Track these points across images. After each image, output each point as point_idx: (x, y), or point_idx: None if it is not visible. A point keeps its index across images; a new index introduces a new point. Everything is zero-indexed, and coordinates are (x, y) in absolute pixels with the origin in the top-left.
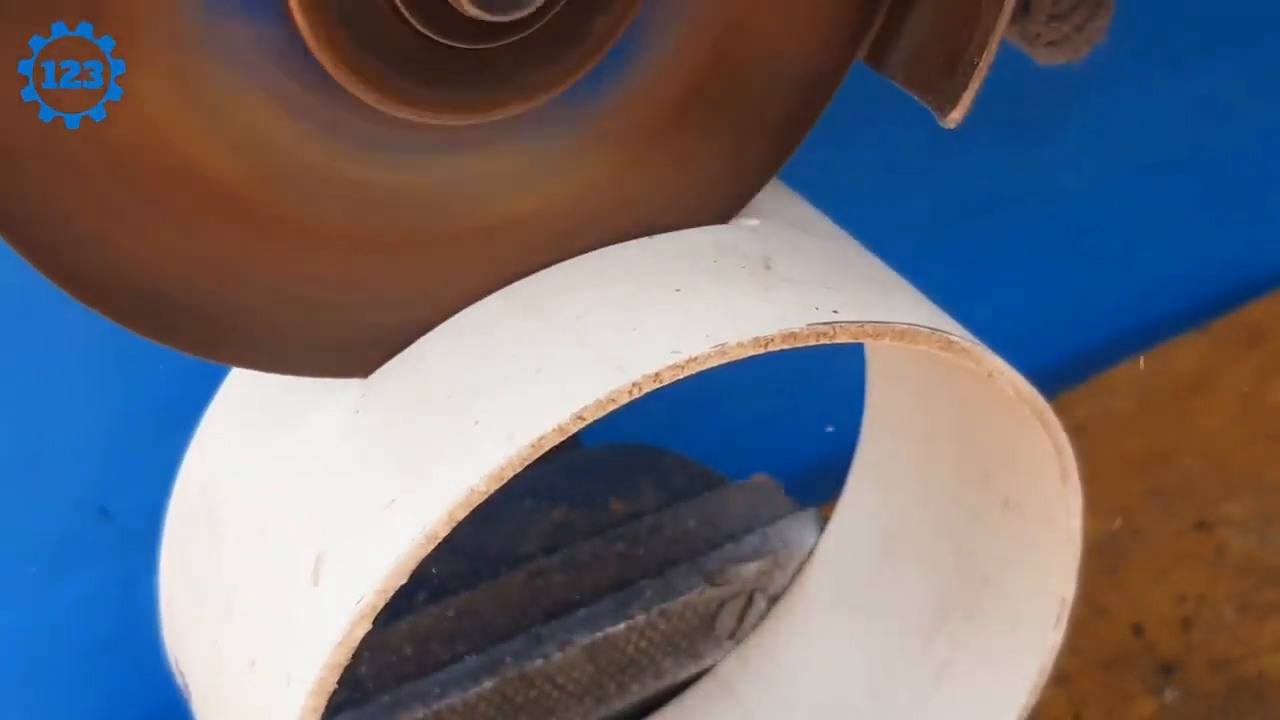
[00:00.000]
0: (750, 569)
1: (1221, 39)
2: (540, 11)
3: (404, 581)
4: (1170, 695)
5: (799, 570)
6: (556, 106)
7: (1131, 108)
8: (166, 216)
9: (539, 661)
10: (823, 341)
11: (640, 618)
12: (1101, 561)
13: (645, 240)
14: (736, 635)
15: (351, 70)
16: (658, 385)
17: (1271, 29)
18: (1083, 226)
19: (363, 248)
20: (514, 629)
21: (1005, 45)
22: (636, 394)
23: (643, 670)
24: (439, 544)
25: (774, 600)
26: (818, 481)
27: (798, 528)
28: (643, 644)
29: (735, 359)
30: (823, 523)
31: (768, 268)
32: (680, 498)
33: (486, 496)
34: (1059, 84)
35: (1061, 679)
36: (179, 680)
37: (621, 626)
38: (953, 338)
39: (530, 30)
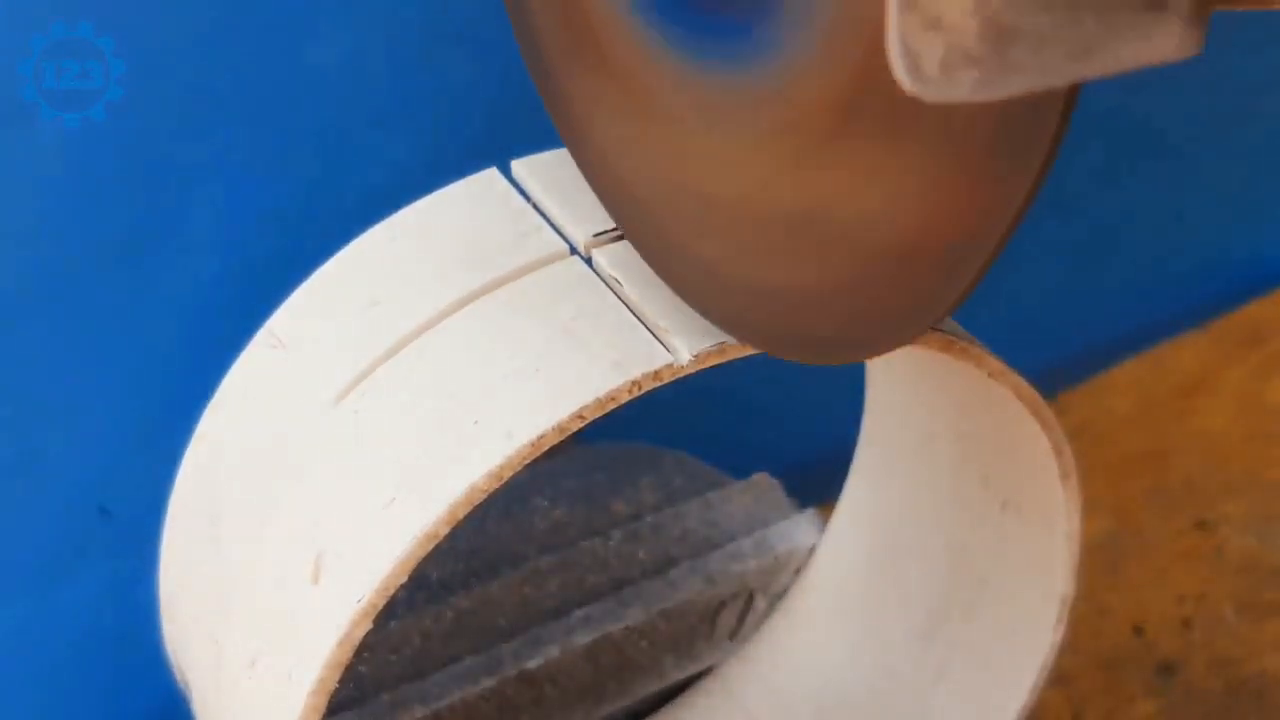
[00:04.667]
0: (750, 569)
1: (1225, 41)
2: None
3: (404, 580)
4: (1170, 695)
5: (799, 570)
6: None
7: (1131, 108)
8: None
9: (539, 661)
10: None
11: (640, 618)
12: (1101, 561)
13: None
14: (737, 635)
15: None
16: (657, 384)
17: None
18: (1082, 226)
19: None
20: (513, 629)
21: None
22: (636, 393)
23: (643, 670)
24: (439, 543)
25: (775, 600)
26: (818, 481)
27: (798, 528)
28: (643, 644)
29: (735, 358)
30: (823, 523)
31: None
32: (680, 498)
33: (487, 495)
34: None
35: (1061, 679)
36: (179, 680)
37: (621, 627)
38: (952, 338)
39: None
